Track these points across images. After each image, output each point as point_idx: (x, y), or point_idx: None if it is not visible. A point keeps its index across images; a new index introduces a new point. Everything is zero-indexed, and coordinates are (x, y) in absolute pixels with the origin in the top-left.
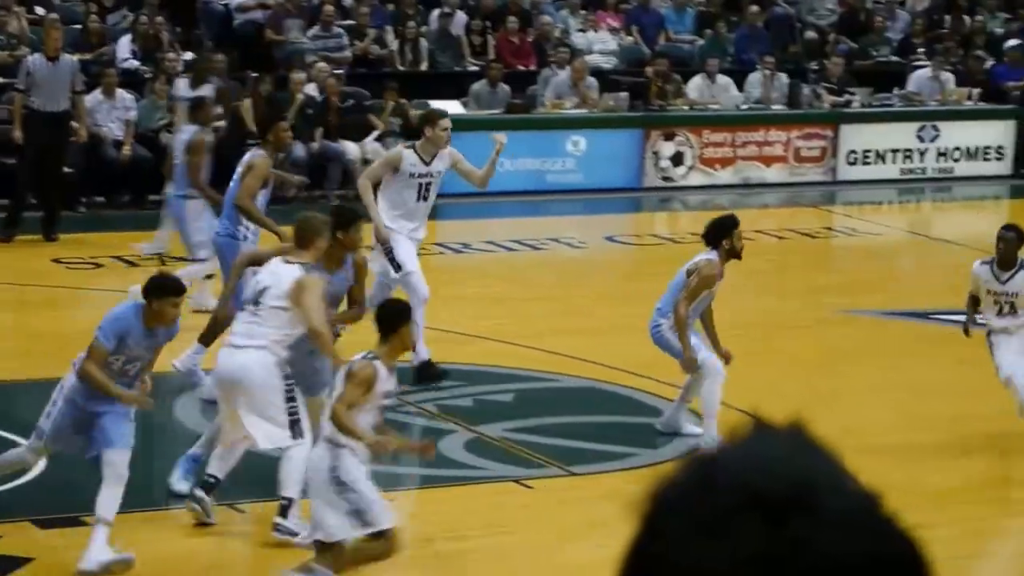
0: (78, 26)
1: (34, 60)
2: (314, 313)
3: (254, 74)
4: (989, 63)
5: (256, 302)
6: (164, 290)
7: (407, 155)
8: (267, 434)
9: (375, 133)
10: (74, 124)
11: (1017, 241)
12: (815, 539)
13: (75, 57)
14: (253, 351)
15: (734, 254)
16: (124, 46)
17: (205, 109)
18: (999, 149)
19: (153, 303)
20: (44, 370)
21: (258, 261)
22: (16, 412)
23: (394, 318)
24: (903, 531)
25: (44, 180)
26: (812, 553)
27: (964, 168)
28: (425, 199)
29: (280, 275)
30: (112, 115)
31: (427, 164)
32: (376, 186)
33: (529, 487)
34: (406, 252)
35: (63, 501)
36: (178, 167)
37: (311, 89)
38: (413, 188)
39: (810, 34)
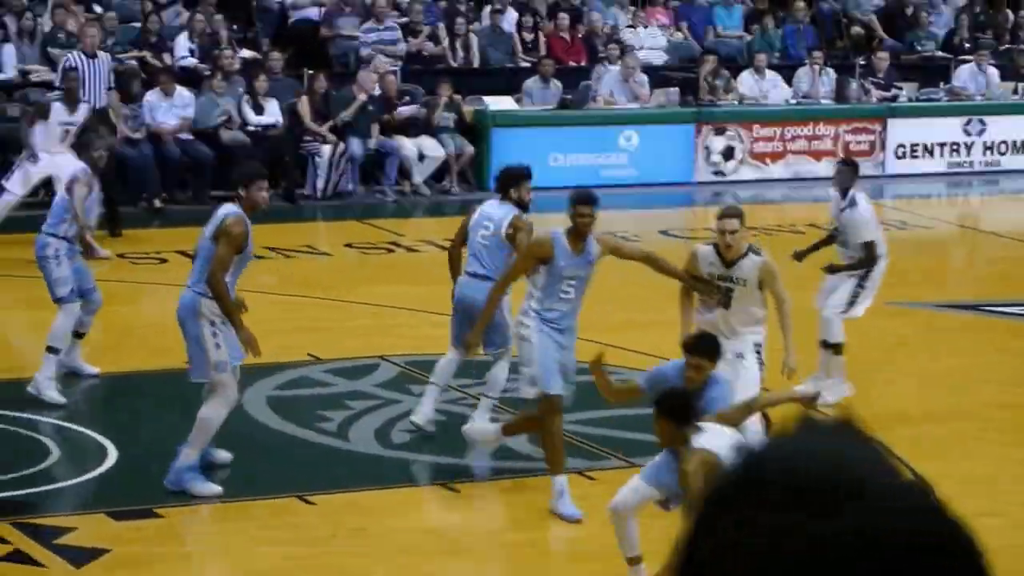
0: (136, 24)
1: (72, 58)
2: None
3: (310, 71)
4: None
5: None
6: None
7: (703, 252)
8: None
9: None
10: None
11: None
12: (862, 529)
13: (108, 55)
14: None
15: (521, 205)
16: (182, 44)
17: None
18: None
19: None
20: (114, 363)
21: None
22: (100, 405)
23: None
24: (953, 519)
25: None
26: (860, 542)
27: (1011, 161)
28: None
29: None
30: (171, 112)
31: (727, 267)
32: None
33: (591, 478)
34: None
35: (136, 494)
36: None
37: (368, 85)
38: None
39: (856, 29)
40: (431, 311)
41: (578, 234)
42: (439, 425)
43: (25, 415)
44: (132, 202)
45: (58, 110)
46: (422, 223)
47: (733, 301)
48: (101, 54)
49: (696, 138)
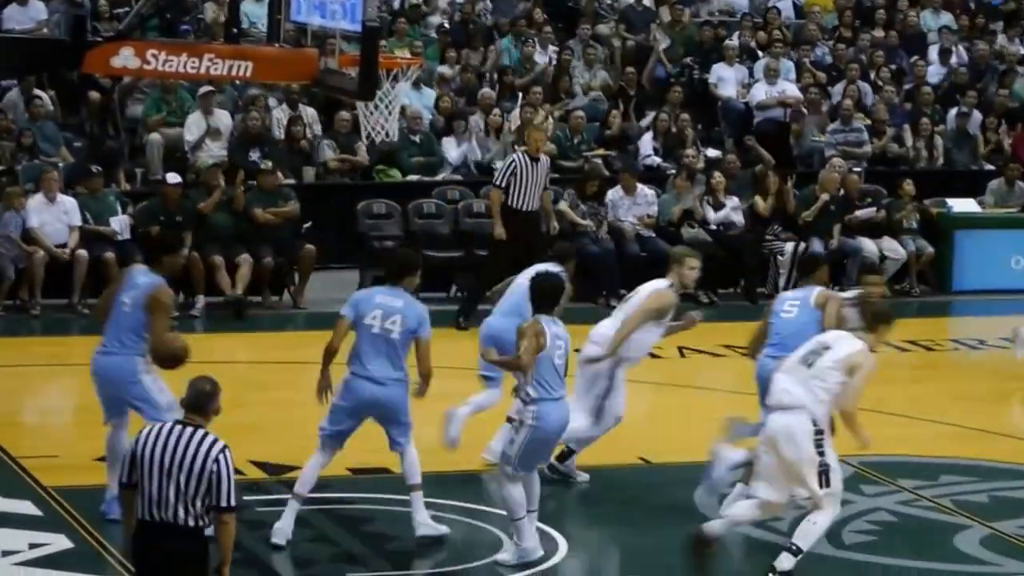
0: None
1: (518, 159)
2: None
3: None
4: None
5: None
6: None
7: None
8: None
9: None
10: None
11: None
12: None
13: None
14: None
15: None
16: (646, 143)
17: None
18: None
19: None
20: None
21: None
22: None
23: None
24: None
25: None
26: None
27: None
28: None
29: None
30: (632, 211)
31: None
32: None
33: None
34: None
35: None
36: None
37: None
38: None
39: None
40: (884, 411)
41: None
42: (893, 527)
43: None
44: (591, 298)
45: None
46: None
47: None
48: (544, 158)
49: None
